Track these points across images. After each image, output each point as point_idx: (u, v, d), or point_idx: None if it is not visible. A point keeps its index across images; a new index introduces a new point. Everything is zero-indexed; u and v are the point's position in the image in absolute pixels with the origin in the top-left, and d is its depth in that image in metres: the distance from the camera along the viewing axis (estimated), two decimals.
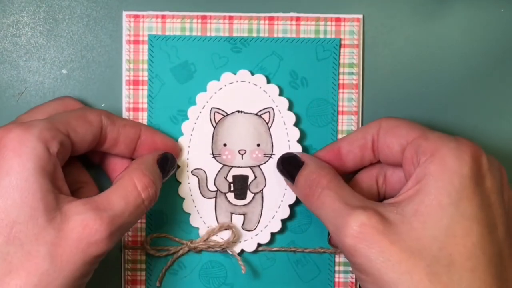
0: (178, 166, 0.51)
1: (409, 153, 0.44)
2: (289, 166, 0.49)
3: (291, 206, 0.51)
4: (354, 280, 0.52)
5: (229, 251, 0.51)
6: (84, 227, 0.41)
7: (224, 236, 0.51)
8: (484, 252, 0.41)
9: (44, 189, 0.41)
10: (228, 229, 0.51)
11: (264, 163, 0.51)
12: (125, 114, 0.51)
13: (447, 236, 0.41)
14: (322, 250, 0.52)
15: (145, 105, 0.51)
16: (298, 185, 0.48)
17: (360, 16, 0.51)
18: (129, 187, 0.44)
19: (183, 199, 0.51)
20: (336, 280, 0.52)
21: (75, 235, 0.41)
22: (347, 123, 0.52)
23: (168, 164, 0.48)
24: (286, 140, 0.51)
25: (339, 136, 0.52)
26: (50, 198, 0.41)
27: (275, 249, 0.52)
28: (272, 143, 0.51)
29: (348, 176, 0.50)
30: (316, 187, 0.46)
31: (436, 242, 0.41)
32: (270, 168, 0.51)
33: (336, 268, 0.52)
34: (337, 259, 0.52)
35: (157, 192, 0.46)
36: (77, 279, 0.41)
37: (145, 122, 0.51)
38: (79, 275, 0.41)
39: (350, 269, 0.52)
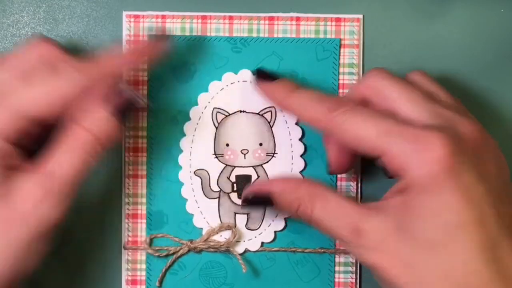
0: None
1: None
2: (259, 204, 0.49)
3: None
4: (354, 280, 0.52)
5: (230, 251, 0.51)
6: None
7: (227, 236, 0.51)
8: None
9: None
10: (228, 229, 0.51)
11: (267, 162, 0.51)
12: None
13: None
14: (322, 250, 0.52)
15: (145, 105, 0.51)
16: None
17: (360, 16, 0.51)
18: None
19: (186, 200, 0.51)
20: (336, 280, 0.52)
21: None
22: None
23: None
24: (289, 138, 0.51)
25: None
26: None
27: (275, 249, 0.52)
28: (274, 142, 0.51)
29: None
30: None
31: None
32: (273, 167, 0.51)
33: (336, 268, 0.52)
34: (337, 259, 0.52)
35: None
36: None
37: (145, 122, 0.51)
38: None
39: (350, 269, 0.52)
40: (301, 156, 0.52)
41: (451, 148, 0.41)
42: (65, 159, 0.43)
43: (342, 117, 0.43)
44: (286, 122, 0.51)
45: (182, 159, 0.51)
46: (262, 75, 0.48)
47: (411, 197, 0.41)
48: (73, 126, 0.44)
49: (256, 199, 0.47)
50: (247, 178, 0.51)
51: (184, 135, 0.51)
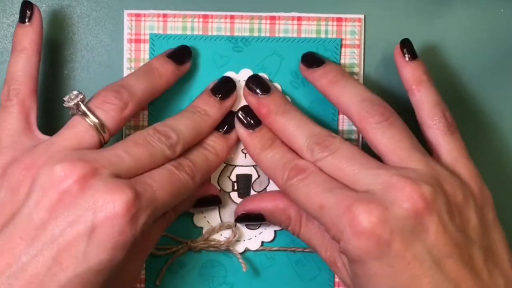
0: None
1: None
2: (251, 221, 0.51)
3: None
4: None
5: (230, 250, 0.51)
6: None
7: (227, 235, 0.51)
8: None
9: None
10: (228, 228, 0.51)
11: None
12: None
13: None
14: None
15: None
16: None
17: (361, 16, 0.52)
18: None
19: None
20: (336, 280, 0.52)
21: None
22: (347, 123, 0.52)
23: None
24: None
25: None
26: None
27: (275, 248, 0.52)
28: None
29: None
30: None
31: None
32: None
33: None
34: None
35: None
36: None
37: (145, 121, 0.51)
38: None
39: None
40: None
41: (376, 221, 0.41)
42: None
43: (295, 186, 0.45)
44: None
45: None
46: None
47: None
48: None
49: (248, 217, 0.50)
50: (248, 177, 0.51)
51: None
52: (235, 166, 0.51)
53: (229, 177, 0.51)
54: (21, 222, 0.40)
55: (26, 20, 0.48)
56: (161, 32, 0.51)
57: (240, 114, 0.49)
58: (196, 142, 0.48)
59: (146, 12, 0.51)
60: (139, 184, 0.42)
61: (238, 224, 0.51)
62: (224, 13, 0.51)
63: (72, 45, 0.52)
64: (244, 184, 0.51)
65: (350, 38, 0.52)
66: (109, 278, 0.41)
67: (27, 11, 0.48)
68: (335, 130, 0.52)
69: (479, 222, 0.43)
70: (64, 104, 0.45)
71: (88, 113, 0.44)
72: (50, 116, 0.51)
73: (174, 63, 0.49)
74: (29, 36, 0.47)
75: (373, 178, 0.43)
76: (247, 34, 0.51)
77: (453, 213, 0.42)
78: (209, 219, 0.51)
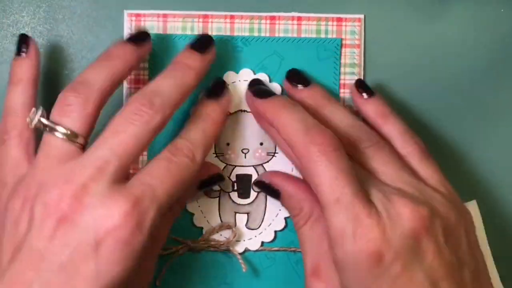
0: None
1: None
2: (268, 192, 0.51)
3: None
4: None
5: (230, 250, 0.51)
6: None
7: (227, 235, 0.51)
8: None
9: None
10: (228, 228, 0.51)
11: (267, 161, 0.51)
12: None
13: None
14: None
15: None
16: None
17: (362, 16, 0.52)
18: None
19: None
20: None
21: None
22: None
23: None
24: None
25: None
26: None
27: (275, 248, 0.52)
28: None
29: None
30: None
31: None
32: (273, 167, 0.51)
33: None
34: None
35: None
36: None
37: None
38: None
39: None
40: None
41: (377, 237, 0.41)
42: None
43: (320, 157, 0.43)
44: None
45: None
46: (259, 92, 0.49)
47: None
48: None
49: (267, 187, 0.50)
50: (248, 177, 0.51)
51: None
52: (235, 166, 0.51)
53: (229, 177, 0.51)
54: (27, 255, 0.40)
55: (22, 52, 0.48)
56: (161, 32, 0.51)
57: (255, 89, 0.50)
58: (185, 99, 0.46)
59: (146, 12, 0.51)
60: (136, 186, 0.42)
61: (238, 225, 0.51)
62: (224, 13, 0.51)
63: (72, 45, 0.52)
64: (244, 184, 0.51)
65: (350, 38, 0.52)
66: (126, 285, 0.41)
67: (23, 44, 0.48)
68: None
69: (468, 243, 0.44)
70: (30, 127, 0.44)
71: (54, 126, 0.43)
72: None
73: (133, 44, 0.47)
74: (25, 68, 0.47)
75: (376, 191, 0.43)
76: (247, 34, 0.51)
77: (447, 235, 0.42)
78: (209, 219, 0.51)
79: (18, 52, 0.48)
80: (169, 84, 0.45)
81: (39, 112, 0.44)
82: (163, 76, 0.46)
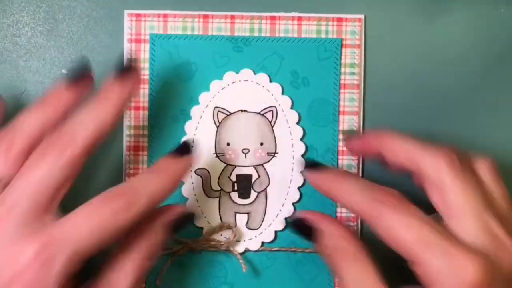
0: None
1: None
2: (301, 233, 0.47)
3: (295, 205, 0.51)
4: None
5: (230, 250, 0.51)
6: None
7: (228, 235, 0.51)
8: None
9: None
10: (229, 228, 0.51)
11: (268, 162, 0.51)
12: (125, 113, 0.51)
13: None
14: None
15: (146, 104, 0.51)
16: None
17: (362, 16, 0.52)
18: None
19: (186, 199, 0.51)
20: (336, 280, 0.52)
21: None
22: (348, 123, 0.52)
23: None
24: (289, 138, 0.51)
25: (340, 136, 0.52)
26: None
27: (275, 249, 0.52)
28: (275, 141, 0.51)
29: None
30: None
31: None
32: (274, 167, 0.51)
33: None
34: None
35: None
36: None
37: (145, 121, 0.51)
38: None
39: None
40: (302, 156, 0.52)
41: (483, 277, 0.40)
42: None
43: (385, 210, 0.42)
44: (287, 122, 0.51)
45: None
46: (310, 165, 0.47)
47: None
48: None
49: (299, 225, 0.47)
50: (248, 177, 0.51)
51: (185, 134, 0.51)
52: (235, 166, 0.51)
53: (229, 177, 0.51)
54: None
55: None
56: (161, 32, 0.51)
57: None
58: (104, 132, 0.43)
59: (146, 12, 0.51)
60: (52, 227, 0.40)
61: (238, 225, 0.51)
62: (224, 13, 0.51)
63: (72, 45, 0.52)
64: (244, 184, 0.51)
65: (350, 38, 0.52)
66: None
67: None
68: (336, 130, 0.52)
69: None
70: None
71: None
72: None
73: (69, 88, 0.45)
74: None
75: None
76: (247, 34, 0.51)
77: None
78: (209, 219, 0.51)
79: None
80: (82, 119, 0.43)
81: None
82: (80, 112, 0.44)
